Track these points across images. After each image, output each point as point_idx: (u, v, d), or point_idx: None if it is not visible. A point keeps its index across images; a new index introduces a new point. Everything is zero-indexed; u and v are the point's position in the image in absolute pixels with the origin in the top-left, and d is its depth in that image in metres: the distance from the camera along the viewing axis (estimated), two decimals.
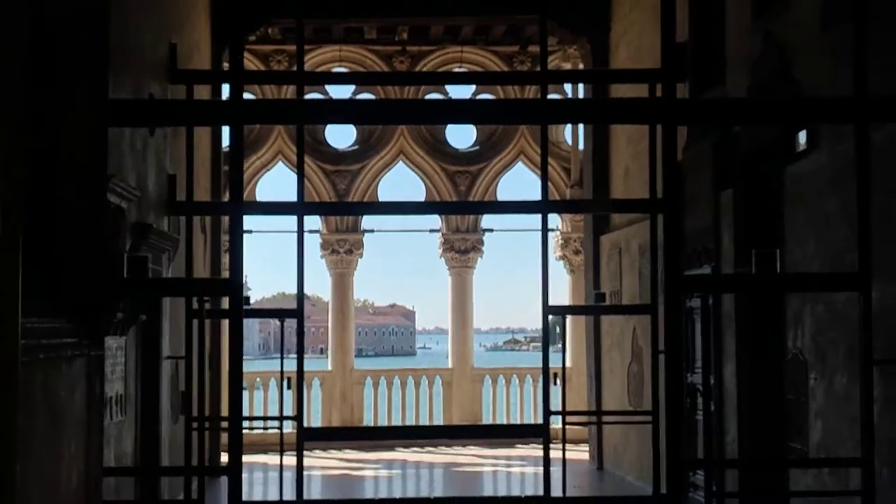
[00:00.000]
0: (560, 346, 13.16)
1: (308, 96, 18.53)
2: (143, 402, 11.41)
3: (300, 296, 12.55)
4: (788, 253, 9.55)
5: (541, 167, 13.13)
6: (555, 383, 13.88)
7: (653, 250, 12.53)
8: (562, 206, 16.57)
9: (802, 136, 9.39)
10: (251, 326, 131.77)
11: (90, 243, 5.02)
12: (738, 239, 10.94)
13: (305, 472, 16.20)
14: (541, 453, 16.89)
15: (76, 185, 4.61)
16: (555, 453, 17.97)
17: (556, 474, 13.95)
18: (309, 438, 12.65)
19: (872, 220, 7.82)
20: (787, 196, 9.69)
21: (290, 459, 14.57)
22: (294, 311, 12.58)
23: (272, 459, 15.08)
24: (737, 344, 10.98)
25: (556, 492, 13.19)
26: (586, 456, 17.20)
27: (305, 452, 17.79)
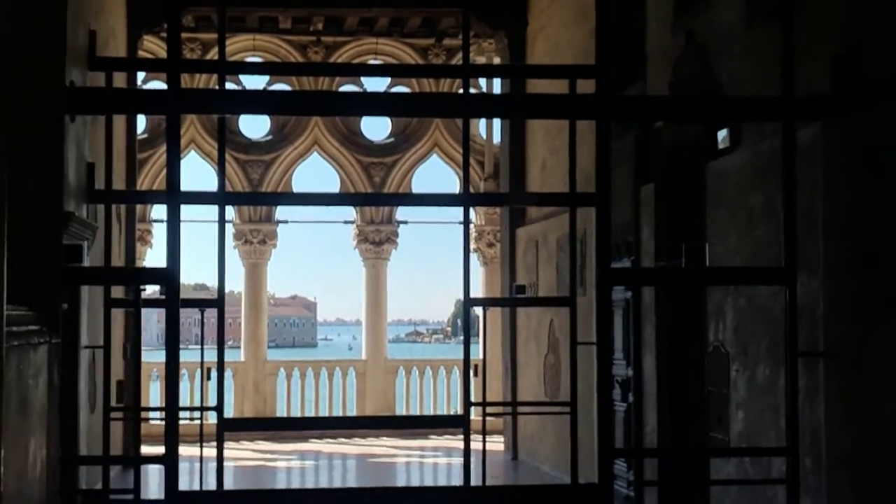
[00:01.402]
0: (474, 338, 13.22)
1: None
2: (61, 392, 11.25)
3: (221, 286, 12.46)
4: (710, 248, 9.75)
5: (462, 160, 13.16)
6: (475, 374, 14.03)
7: (572, 244, 12.70)
8: (484, 199, 16.70)
9: (722, 134, 9.59)
10: (149, 317, 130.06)
11: (43, 232, 4.99)
12: (659, 233, 11.15)
13: (214, 463, 16.23)
14: (454, 444, 17.11)
15: (33, 174, 4.57)
16: (476, 444, 18.20)
17: (472, 465, 14.10)
18: (229, 429, 12.63)
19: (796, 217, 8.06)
20: (708, 192, 9.90)
21: (207, 451, 14.55)
22: (215, 301, 12.54)
23: (189, 451, 14.95)
24: (657, 336, 11.19)
25: (476, 481, 13.34)
26: (501, 447, 17.35)
27: (211, 443, 17.83)
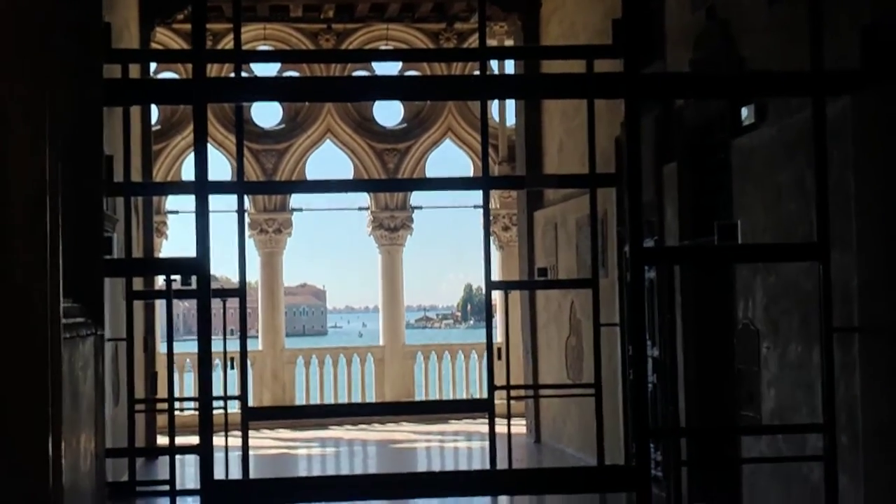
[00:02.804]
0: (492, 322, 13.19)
1: (231, 76, 18.37)
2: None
3: (242, 276, 12.49)
4: (738, 225, 9.70)
5: (482, 142, 13.20)
6: (499, 358, 14.01)
7: (593, 225, 12.67)
8: (503, 182, 16.63)
9: (747, 111, 9.53)
10: (186, 307, 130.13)
11: (84, 224, 4.95)
12: (683, 212, 11.09)
13: (237, 453, 16.23)
14: (475, 428, 17.09)
15: (73, 167, 4.53)
16: (498, 428, 18.19)
17: (502, 448, 14.10)
18: (253, 418, 12.64)
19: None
20: (734, 169, 9.84)
21: (230, 440, 14.58)
22: (237, 291, 12.55)
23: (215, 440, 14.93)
24: (683, 315, 11.14)
25: (501, 465, 13.33)
26: (523, 430, 17.33)
27: (236, 433, 17.82)
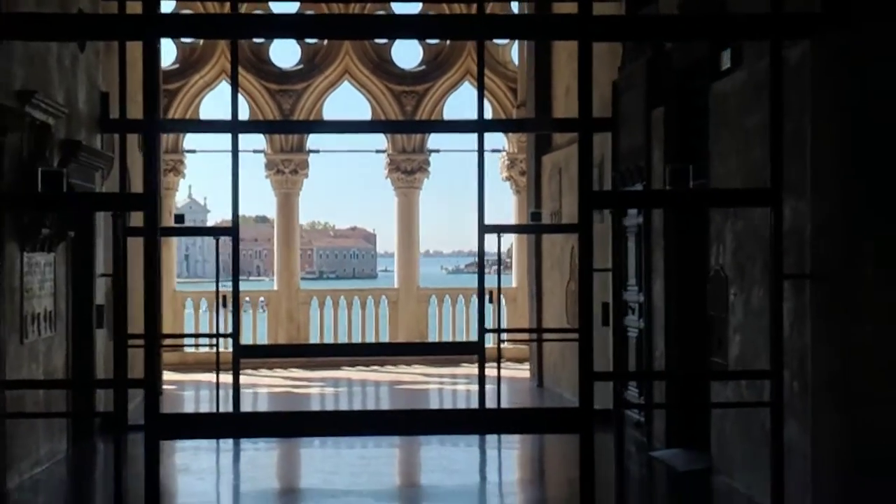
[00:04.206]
0: (507, 267, 13.23)
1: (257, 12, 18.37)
2: (74, 318, 11.43)
3: (235, 214, 12.57)
4: (713, 169, 9.64)
5: (478, 84, 13.16)
6: (490, 302, 14.03)
7: (580, 169, 12.54)
8: (498, 126, 16.55)
9: (726, 55, 9.42)
10: (209, 249, 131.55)
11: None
12: (669, 156, 11.00)
13: (250, 390, 16.45)
14: (489, 372, 17.14)
15: None
16: (505, 372, 18.27)
17: (494, 391, 14.17)
18: (245, 356, 12.77)
19: (786, 138, 7.91)
20: (711, 113, 9.75)
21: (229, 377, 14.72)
22: (229, 230, 12.63)
23: (212, 377, 15.14)
24: (665, 261, 11.10)
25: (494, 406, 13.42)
26: (527, 374, 17.41)
27: (251, 371, 18.05)
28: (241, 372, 17.42)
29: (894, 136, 6.55)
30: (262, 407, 15.12)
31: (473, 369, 18.50)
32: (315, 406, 15.15)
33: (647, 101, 11.61)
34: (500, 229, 13.09)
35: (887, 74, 6.68)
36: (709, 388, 9.81)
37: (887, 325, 6.57)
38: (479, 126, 12.85)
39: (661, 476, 10.35)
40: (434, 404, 15.56)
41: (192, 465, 10.74)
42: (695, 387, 10.49)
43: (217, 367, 12.78)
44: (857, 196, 7.04)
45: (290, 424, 8.06)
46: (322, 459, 11.19)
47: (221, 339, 13.96)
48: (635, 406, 11.89)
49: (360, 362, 18.85)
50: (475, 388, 14.63)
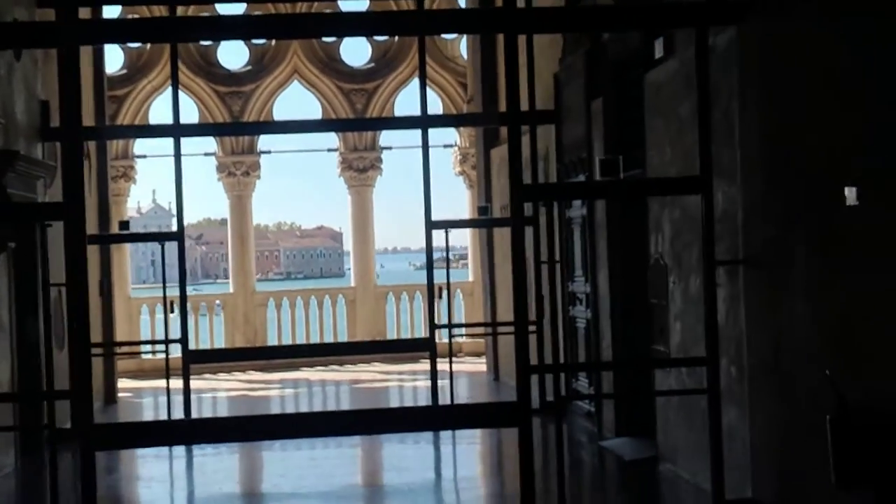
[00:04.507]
0: (477, 262, 13.23)
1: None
2: (19, 330, 11.33)
3: (180, 218, 12.52)
4: (649, 158, 9.66)
5: (419, 81, 13.16)
6: (440, 297, 14.02)
7: (533, 161, 12.63)
8: (441, 121, 16.53)
9: (660, 44, 9.43)
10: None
11: None
12: (608, 147, 11.02)
13: (209, 395, 16.37)
14: (442, 367, 17.12)
15: None
16: (462, 366, 18.19)
17: (462, 386, 14.19)
18: (194, 361, 12.71)
19: (716, 124, 7.94)
20: (646, 103, 9.76)
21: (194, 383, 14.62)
22: (174, 235, 12.57)
23: (175, 384, 15.06)
24: (609, 251, 11.12)
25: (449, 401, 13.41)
26: (484, 368, 17.42)
27: (209, 376, 17.94)
28: (200, 377, 17.46)
29: (818, 119, 6.57)
30: (217, 411, 15.05)
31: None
32: (270, 409, 15.11)
33: (587, 93, 11.63)
34: (446, 225, 13.09)
35: (809, 58, 6.71)
36: (652, 376, 9.84)
37: (817, 309, 6.59)
38: (423, 122, 12.87)
39: (608, 465, 10.38)
40: (390, 402, 15.53)
41: (142, 473, 10.69)
42: (641, 376, 10.51)
43: (167, 373, 12.71)
44: (785, 180, 7.06)
45: (234, 429, 8.06)
46: (272, 462, 11.14)
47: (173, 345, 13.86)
48: (585, 397, 11.93)
49: (319, 363, 18.79)
50: (428, 383, 14.65)
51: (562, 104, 12.68)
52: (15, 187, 11.05)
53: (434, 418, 8.37)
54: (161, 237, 12.80)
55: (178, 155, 12.26)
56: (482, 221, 14.68)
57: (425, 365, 18.31)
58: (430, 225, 12.77)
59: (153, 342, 15.81)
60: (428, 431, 11.26)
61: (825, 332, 6.46)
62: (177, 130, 12.33)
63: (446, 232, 13.07)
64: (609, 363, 10.66)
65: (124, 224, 13.65)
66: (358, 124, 18.92)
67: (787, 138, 7.03)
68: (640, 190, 8.43)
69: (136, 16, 19.16)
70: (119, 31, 8.33)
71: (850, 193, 5.97)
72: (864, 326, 5.94)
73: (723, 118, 7.93)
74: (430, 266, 13.01)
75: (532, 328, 12.73)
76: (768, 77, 7.37)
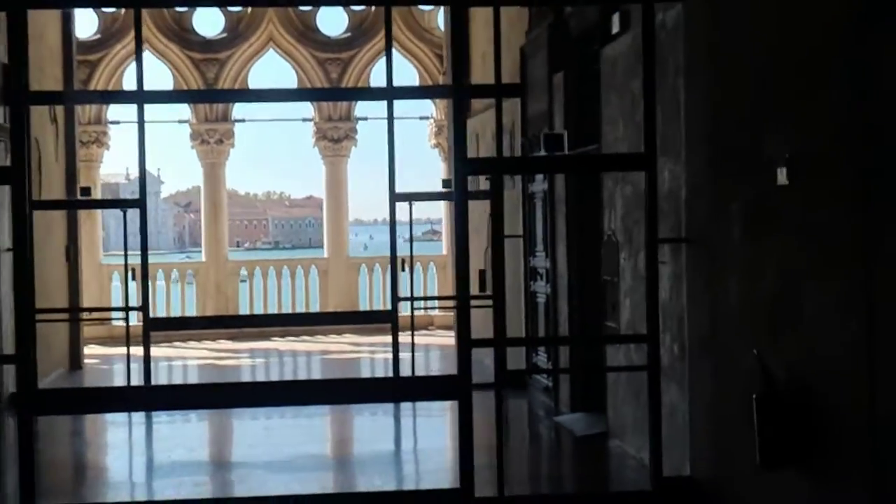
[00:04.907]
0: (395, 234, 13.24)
1: None
2: None
3: (142, 185, 12.45)
4: (604, 134, 9.65)
5: (385, 51, 13.07)
6: (402, 270, 14.03)
7: (498, 135, 12.59)
8: (407, 93, 16.43)
9: (616, 19, 9.41)
10: (163, 220, 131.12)
11: None
12: (568, 122, 11.00)
13: (176, 363, 16.40)
14: (420, 340, 17.17)
15: None
16: (433, 339, 18.20)
17: (432, 359, 14.21)
18: (155, 328, 12.70)
19: (665, 101, 7.94)
20: (602, 78, 9.75)
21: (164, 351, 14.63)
22: (136, 202, 12.52)
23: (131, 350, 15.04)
24: (567, 227, 11.12)
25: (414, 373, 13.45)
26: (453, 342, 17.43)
27: (179, 344, 17.96)
28: (171, 345, 17.48)
29: (753, 96, 6.56)
30: (178, 378, 15.07)
31: (404, 337, 18.62)
32: (232, 377, 15.10)
33: (550, 67, 11.61)
34: (410, 197, 13.07)
35: (748, 35, 6.69)
36: (604, 352, 9.86)
37: (749, 287, 6.61)
38: (389, 93, 12.80)
39: (558, 441, 10.42)
40: (356, 373, 15.56)
41: (95, 439, 10.71)
42: (594, 352, 10.54)
43: (127, 340, 12.69)
44: (723, 157, 7.07)
45: (188, 397, 8.11)
46: (227, 431, 11.17)
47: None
48: (536, 371, 11.98)
49: (291, 333, 18.80)
50: (404, 356, 14.77)
51: (527, 78, 12.67)
52: None
53: (379, 390, 8.39)
54: (123, 204, 12.77)
55: (141, 122, 12.16)
56: (443, 195, 14.67)
57: (402, 337, 18.46)
58: (394, 197, 12.75)
59: (114, 309, 15.81)
60: (371, 403, 11.26)
61: (756, 311, 6.47)
62: (140, 97, 12.24)
63: (410, 204, 13.05)
64: (547, 338, 10.75)
65: (85, 190, 13.60)
66: (322, 94, 18.85)
67: (728, 116, 7.02)
68: (583, 166, 8.43)
69: None
70: None
71: (780, 173, 5.97)
72: (791, 305, 5.96)
73: (671, 95, 7.92)
74: (393, 238, 13.00)
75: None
76: (712, 54, 7.35)
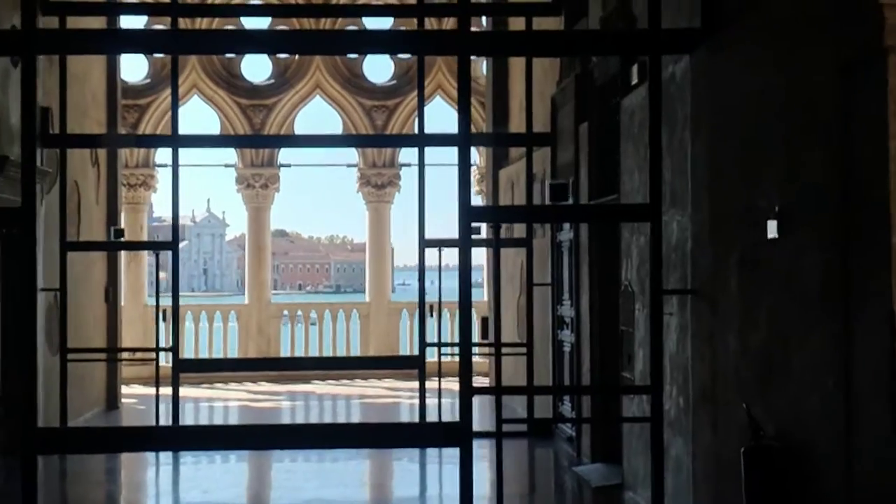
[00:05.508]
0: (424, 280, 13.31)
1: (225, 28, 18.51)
2: (4, 334, 11.51)
3: (175, 228, 12.63)
4: (622, 184, 9.64)
5: (417, 100, 13.20)
6: (431, 316, 14.07)
7: (528, 183, 12.72)
8: (438, 140, 16.49)
9: (635, 70, 9.42)
10: (227, 263, 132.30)
11: None
12: (592, 171, 11.02)
13: (215, 403, 16.52)
14: (449, 385, 17.18)
15: None
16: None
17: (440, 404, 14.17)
18: (184, 370, 12.83)
19: (674, 153, 7.94)
20: (622, 128, 9.76)
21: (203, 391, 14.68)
22: (169, 244, 12.70)
23: (186, 392, 15.19)
24: (590, 276, 11.10)
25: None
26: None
27: (220, 385, 18.10)
28: (212, 387, 17.63)
29: (749, 150, 6.55)
30: (212, 420, 15.18)
31: (446, 383, 18.61)
32: (263, 419, 15.19)
33: (576, 117, 11.65)
34: (440, 243, 13.14)
35: (746, 91, 6.69)
36: (620, 403, 9.81)
37: (744, 340, 6.56)
38: (420, 140, 12.95)
39: (574, 492, 10.35)
40: (382, 417, 15.57)
41: (111, 479, 10.82)
42: (614, 402, 10.49)
43: (157, 380, 12.86)
44: (724, 210, 7.05)
45: (209, 438, 8.19)
46: (245, 473, 11.21)
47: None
48: (566, 420, 11.93)
49: (330, 376, 18.87)
50: (432, 401, 14.82)
51: (556, 127, 12.71)
52: (7, 192, 11.22)
53: (382, 436, 8.38)
54: (155, 246, 12.95)
55: (175, 165, 12.37)
56: (475, 242, 14.66)
57: (433, 382, 18.45)
58: (424, 243, 12.87)
59: (145, 349, 15.99)
60: (365, 448, 11.28)
61: (750, 363, 6.43)
62: (175, 141, 12.45)
63: (439, 250, 13.12)
64: (548, 388, 10.71)
65: (119, 232, 13.81)
66: (353, 140, 19.00)
67: (728, 169, 7.01)
68: (585, 215, 8.43)
69: (160, 26, 19.43)
70: (80, 42, 8.44)
71: (771, 226, 5.95)
72: (780, 359, 5.91)
73: (679, 147, 7.92)
74: (422, 284, 13.09)
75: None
76: (714, 108, 7.36)
